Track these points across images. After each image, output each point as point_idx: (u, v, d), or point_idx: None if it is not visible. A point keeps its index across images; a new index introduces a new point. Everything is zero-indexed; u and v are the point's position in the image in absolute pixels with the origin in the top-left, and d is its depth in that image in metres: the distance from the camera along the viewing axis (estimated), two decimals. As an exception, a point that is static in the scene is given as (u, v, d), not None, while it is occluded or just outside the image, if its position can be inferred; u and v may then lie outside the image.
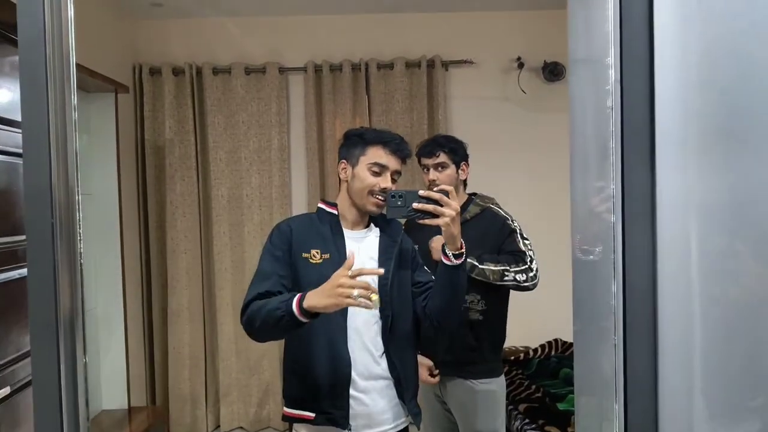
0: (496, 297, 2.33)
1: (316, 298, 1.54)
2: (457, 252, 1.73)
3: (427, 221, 1.69)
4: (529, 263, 2.30)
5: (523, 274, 2.27)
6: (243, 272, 3.78)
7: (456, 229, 1.69)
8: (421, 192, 1.70)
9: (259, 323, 1.62)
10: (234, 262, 3.82)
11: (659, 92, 0.86)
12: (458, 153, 2.35)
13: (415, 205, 1.69)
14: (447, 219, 1.67)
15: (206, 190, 3.81)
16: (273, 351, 3.78)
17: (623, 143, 0.87)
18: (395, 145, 1.82)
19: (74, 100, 0.87)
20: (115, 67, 3.46)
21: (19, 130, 1.00)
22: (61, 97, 0.87)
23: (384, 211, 1.77)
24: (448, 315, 1.81)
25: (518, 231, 2.38)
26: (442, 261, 1.76)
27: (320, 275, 1.63)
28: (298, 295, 1.58)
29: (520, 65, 3.72)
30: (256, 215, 3.80)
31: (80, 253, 0.85)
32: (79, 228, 0.85)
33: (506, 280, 2.25)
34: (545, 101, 3.76)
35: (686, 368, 0.88)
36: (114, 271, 3.24)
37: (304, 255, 1.77)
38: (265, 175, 3.80)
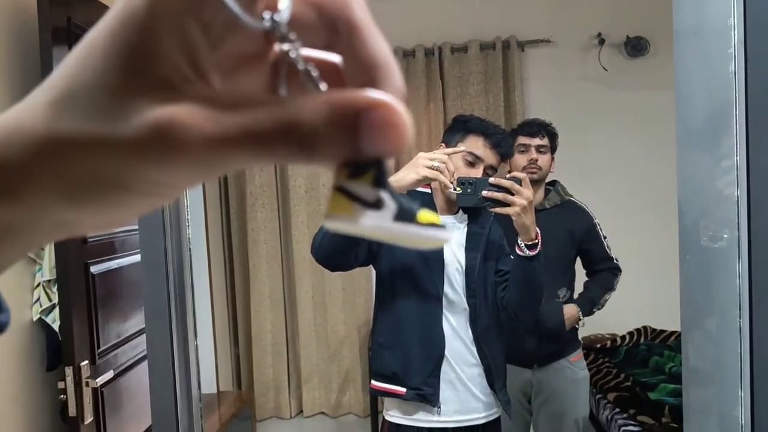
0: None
1: (397, 176, 1.59)
2: (531, 243, 1.65)
3: (498, 210, 1.62)
4: (618, 265, 2.37)
5: (617, 278, 2.35)
6: (321, 261, 3.83)
7: (528, 219, 1.61)
8: (492, 179, 1.64)
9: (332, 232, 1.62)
10: (312, 251, 3.87)
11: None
12: (555, 141, 2.33)
13: (484, 192, 1.62)
14: (517, 208, 1.59)
15: (284, 180, 3.88)
16: (352, 337, 3.82)
17: (748, 112, 0.80)
18: (496, 139, 1.77)
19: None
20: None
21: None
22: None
23: (455, 199, 1.73)
24: (524, 307, 1.76)
25: (602, 233, 2.34)
26: (516, 252, 1.69)
27: (416, 250, 1.64)
28: None
29: (601, 41, 3.56)
30: (333, 204, 3.84)
31: (188, 239, 0.87)
32: (187, 214, 0.87)
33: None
34: (628, 78, 3.59)
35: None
36: (200, 260, 3.36)
37: None
38: (341, 164, 3.82)
